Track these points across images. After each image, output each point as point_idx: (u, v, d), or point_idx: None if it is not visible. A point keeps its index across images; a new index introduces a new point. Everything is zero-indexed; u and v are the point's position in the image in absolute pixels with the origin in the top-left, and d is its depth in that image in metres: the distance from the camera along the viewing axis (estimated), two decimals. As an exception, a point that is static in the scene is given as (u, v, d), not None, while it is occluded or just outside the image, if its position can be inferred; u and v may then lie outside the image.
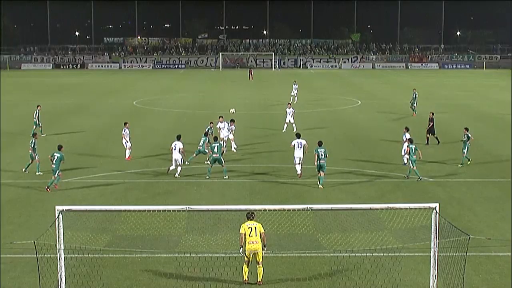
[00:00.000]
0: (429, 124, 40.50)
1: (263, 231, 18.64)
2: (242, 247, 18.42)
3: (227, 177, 30.62)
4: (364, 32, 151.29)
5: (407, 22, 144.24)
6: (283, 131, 45.62)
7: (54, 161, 28.97)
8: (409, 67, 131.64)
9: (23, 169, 32.38)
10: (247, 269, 18.56)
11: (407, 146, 31.54)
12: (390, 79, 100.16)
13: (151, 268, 19.62)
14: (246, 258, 18.46)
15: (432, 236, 15.45)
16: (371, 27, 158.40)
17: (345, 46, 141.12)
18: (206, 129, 34.55)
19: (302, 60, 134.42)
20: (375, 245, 20.57)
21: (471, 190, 29.43)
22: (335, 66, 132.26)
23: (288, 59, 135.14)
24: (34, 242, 15.64)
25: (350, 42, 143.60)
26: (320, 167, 29.25)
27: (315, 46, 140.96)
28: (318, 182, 29.39)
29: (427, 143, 39.67)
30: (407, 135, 33.09)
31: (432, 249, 15.47)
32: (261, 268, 18.56)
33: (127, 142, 35.61)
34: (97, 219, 22.81)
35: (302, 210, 17.54)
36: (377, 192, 28.99)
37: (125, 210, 18.95)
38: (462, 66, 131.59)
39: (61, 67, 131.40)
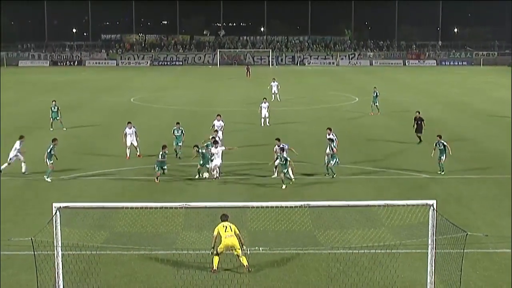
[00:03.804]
0: (416, 123, 40.23)
1: (238, 232, 19.29)
2: (213, 247, 19.03)
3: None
4: (361, 29, 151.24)
5: (405, 19, 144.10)
6: (262, 126, 46.91)
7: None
8: (406, 64, 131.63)
9: (46, 177, 30.34)
10: (218, 259, 19.08)
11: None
12: (388, 76, 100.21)
13: (149, 265, 19.62)
14: (218, 251, 19.14)
15: (430, 232, 15.47)
16: (368, 24, 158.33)
17: (343, 43, 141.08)
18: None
19: (299, 57, 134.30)
20: (373, 241, 20.59)
21: (468, 187, 29.47)
22: (333, 63, 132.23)
23: (285, 56, 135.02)
24: (31, 239, 15.64)
25: (348, 39, 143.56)
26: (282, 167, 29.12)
27: (312, 43, 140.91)
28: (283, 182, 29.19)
29: (420, 141, 39.59)
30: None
31: (430, 246, 15.50)
32: (244, 257, 19.09)
33: (132, 141, 35.57)
34: (94, 216, 22.81)
35: (299, 207, 17.57)
36: (374, 189, 29.02)
37: (123, 207, 18.95)
38: (459, 63, 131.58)
39: (59, 64, 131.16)
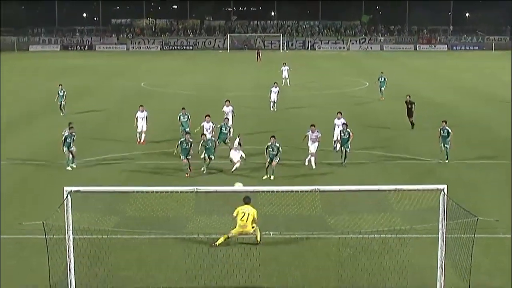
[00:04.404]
0: (408, 107, 39.79)
1: (256, 217, 19.85)
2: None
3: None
4: (372, 13, 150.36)
5: (416, 4, 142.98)
6: (271, 110, 46.82)
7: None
8: (417, 48, 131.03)
9: (68, 167, 29.73)
10: (224, 239, 19.81)
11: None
12: (399, 60, 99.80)
13: (159, 249, 19.70)
14: (228, 235, 19.84)
15: (440, 217, 15.43)
16: (379, 9, 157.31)
17: (353, 28, 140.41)
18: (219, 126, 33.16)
19: (310, 41, 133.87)
20: (383, 226, 20.57)
21: (479, 172, 29.38)
22: (343, 47, 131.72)
23: (296, 41, 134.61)
24: (43, 223, 15.71)
25: (359, 24, 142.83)
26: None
27: (323, 27, 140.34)
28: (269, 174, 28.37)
29: (413, 126, 39.34)
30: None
31: (440, 231, 15.46)
32: (257, 230, 19.93)
33: (143, 125, 35.46)
34: (105, 200, 22.85)
35: (309, 191, 17.56)
36: (384, 174, 28.98)
37: (134, 191, 18.99)
38: (471, 48, 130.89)
39: (69, 48, 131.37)
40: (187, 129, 33.39)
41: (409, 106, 39.76)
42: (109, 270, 17.89)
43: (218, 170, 29.40)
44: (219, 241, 19.82)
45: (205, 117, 33.51)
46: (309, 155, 30.15)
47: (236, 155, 29.41)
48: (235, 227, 19.99)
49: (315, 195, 21.85)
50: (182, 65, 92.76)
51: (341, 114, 33.20)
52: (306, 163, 30.11)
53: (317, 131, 30.34)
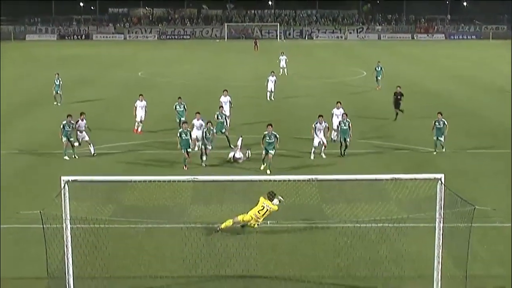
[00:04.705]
0: (396, 98, 39.59)
1: (269, 213, 20.01)
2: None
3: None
4: (370, 2, 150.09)
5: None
6: (268, 99, 46.69)
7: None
8: (415, 38, 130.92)
9: (65, 156, 29.73)
10: (230, 224, 19.88)
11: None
12: (396, 50, 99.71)
13: (156, 238, 19.72)
14: (234, 221, 19.87)
15: (437, 206, 15.44)
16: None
17: (351, 17, 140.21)
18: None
19: (307, 30, 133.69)
20: (380, 215, 20.61)
21: (476, 162, 29.41)
22: (341, 37, 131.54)
23: (293, 30, 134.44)
24: (40, 212, 15.72)
25: (356, 13, 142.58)
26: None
27: (320, 16, 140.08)
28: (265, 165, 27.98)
29: (395, 119, 39.25)
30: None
31: (437, 220, 15.48)
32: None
33: (142, 115, 35.47)
34: (103, 190, 22.85)
35: (307, 181, 17.56)
36: (382, 163, 29.00)
37: (131, 181, 18.97)
38: (468, 37, 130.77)
39: (66, 38, 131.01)
40: (183, 119, 33.11)
41: (398, 97, 39.50)
42: (107, 259, 17.92)
43: (219, 160, 29.32)
44: (223, 225, 19.85)
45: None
46: (314, 148, 29.81)
47: (238, 155, 29.27)
48: (245, 214, 19.97)
49: (313, 184, 21.88)
50: (179, 54, 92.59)
51: (340, 104, 33.11)
52: (312, 157, 29.82)
53: (325, 122, 30.12)
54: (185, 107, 34.99)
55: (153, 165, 28.79)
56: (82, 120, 30.63)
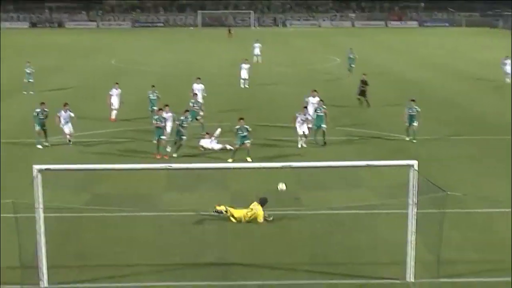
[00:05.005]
0: (361, 86, 39.59)
1: (258, 219, 19.86)
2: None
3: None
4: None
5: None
6: (242, 87, 46.54)
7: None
8: (388, 25, 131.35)
9: (39, 145, 29.37)
10: (221, 209, 19.89)
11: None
12: (369, 37, 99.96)
13: (131, 227, 19.61)
14: (226, 209, 19.85)
15: (410, 193, 15.54)
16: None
17: (325, 5, 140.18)
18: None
19: (281, 18, 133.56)
20: (355, 202, 20.72)
21: (450, 149, 29.62)
22: (315, 24, 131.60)
23: (267, 18, 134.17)
24: (12, 201, 15.57)
25: (330, 1, 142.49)
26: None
27: (294, 4, 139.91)
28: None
29: (361, 103, 39.37)
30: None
31: (410, 206, 15.59)
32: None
33: (117, 103, 35.22)
34: (76, 178, 22.75)
35: (281, 168, 17.57)
36: (356, 151, 29.09)
37: (105, 169, 18.88)
38: (441, 24, 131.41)
39: (38, 25, 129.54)
40: (155, 108, 32.48)
41: (363, 86, 39.51)
42: (81, 248, 17.83)
43: (193, 149, 29.23)
44: (219, 208, 19.84)
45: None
46: (299, 137, 29.60)
47: (208, 145, 29.00)
48: (237, 209, 19.93)
49: (287, 171, 21.91)
50: (153, 42, 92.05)
51: (316, 92, 33.07)
52: (299, 145, 29.60)
53: (309, 114, 29.96)
54: (158, 96, 34.78)
55: (127, 153, 28.60)
56: (66, 111, 29.88)
